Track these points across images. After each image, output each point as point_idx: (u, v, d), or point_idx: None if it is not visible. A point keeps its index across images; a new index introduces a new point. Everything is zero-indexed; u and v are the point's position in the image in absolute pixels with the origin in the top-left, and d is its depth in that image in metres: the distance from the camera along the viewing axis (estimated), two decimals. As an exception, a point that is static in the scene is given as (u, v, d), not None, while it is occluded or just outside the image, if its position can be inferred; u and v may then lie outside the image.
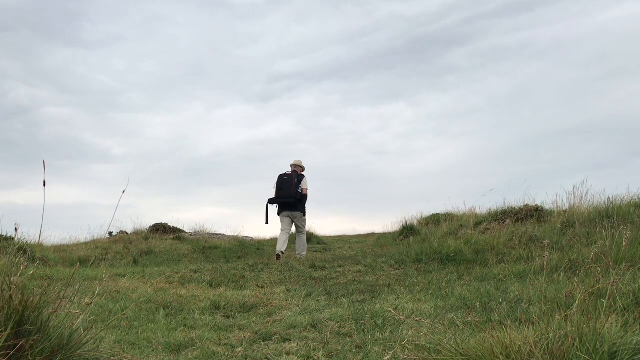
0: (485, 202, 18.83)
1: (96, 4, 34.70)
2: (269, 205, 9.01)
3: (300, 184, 8.85)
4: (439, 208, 13.10)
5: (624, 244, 3.97)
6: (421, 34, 33.95)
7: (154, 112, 37.97)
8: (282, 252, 8.72)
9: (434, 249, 8.11)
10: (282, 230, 9.01)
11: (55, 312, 2.60)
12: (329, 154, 35.04)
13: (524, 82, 33.34)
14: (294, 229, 9.30)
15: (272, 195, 9.08)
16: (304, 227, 9.24)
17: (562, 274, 5.20)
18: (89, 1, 34.68)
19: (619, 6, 28.91)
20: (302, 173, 9.17)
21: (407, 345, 3.24)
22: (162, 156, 35.41)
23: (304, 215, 9.14)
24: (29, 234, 9.22)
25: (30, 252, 8.25)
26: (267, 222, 9.11)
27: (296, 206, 8.91)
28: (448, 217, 11.55)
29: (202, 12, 36.38)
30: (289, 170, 9.18)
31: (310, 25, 37.68)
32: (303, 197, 8.90)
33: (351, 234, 18.01)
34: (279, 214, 9.05)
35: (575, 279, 4.03)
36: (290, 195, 8.75)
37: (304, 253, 9.19)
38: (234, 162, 35.65)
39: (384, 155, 36.24)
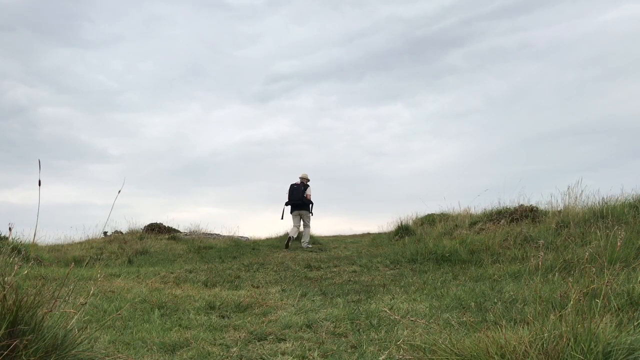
0: (480, 203, 18.86)
1: (96, 4, 34.60)
2: (285, 207, 12.01)
3: (305, 191, 11.94)
4: (434, 208, 13.12)
5: (619, 244, 3.99)
6: (420, 35, 34.04)
7: (152, 112, 37.89)
8: (292, 238, 11.62)
9: (429, 249, 8.12)
10: (294, 225, 11.99)
11: (49, 312, 2.59)
12: (327, 154, 35.06)
13: (522, 83, 33.46)
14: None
15: (286, 199, 12.09)
16: (309, 222, 12.04)
17: (556, 274, 5.22)
18: (89, 1, 34.57)
19: (616, 8, 29.06)
20: (307, 183, 12.08)
21: (402, 345, 3.24)
22: (159, 156, 35.33)
23: (309, 213, 12.01)
24: (23, 233, 9.20)
25: (24, 252, 8.20)
26: (282, 218, 12.08)
27: (302, 206, 11.89)
28: (443, 217, 11.55)
29: (202, 13, 36.33)
30: (297, 181, 12.12)
31: (309, 26, 37.70)
32: (308, 201, 11.93)
33: (347, 234, 18.00)
34: (291, 213, 12.03)
35: (570, 279, 4.05)
36: (298, 198, 11.81)
37: (307, 240, 11.82)
38: (232, 163, 35.63)
39: (381, 155, 36.30)
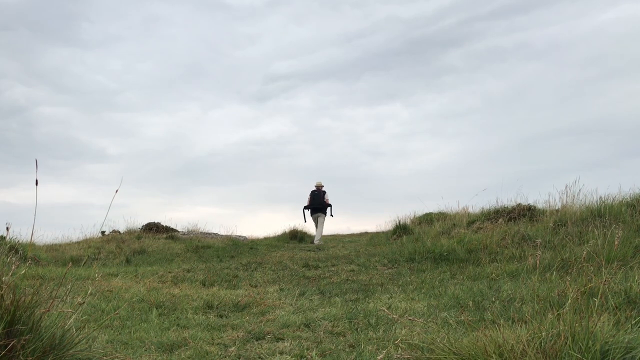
0: (478, 202, 18.91)
1: (95, 4, 34.49)
2: (305, 210, 13.94)
3: (324, 196, 13.95)
4: (432, 207, 13.14)
5: (616, 243, 4.00)
6: (418, 35, 34.01)
7: (151, 112, 37.79)
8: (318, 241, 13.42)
9: (427, 248, 8.13)
10: (315, 226, 14.00)
11: (47, 311, 2.59)
12: (325, 154, 35.08)
13: (520, 83, 33.49)
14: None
15: (305, 204, 14.12)
16: (323, 223, 13.93)
17: (554, 273, 5.23)
18: (88, 1, 34.46)
19: (614, 8, 29.11)
20: (324, 189, 14.06)
21: (400, 344, 3.24)
22: (157, 156, 35.28)
23: (326, 215, 13.91)
24: (21, 233, 9.16)
25: (22, 252, 8.18)
26: (305, 221, 14.10)
27: (321, 209, 13.87)
28: (441, 216, 11.56)
29: (201, 13, 36.26)
30: (313, 188, 14.13)
31: (308, 26, 37.65)
32: (326, 205, 13.93)
33: (345, 233, 18.01)
34: (311, 215, 13.96)
35: (568, 278, 4.06)
36: (319, 203, 13.85)
37: (321, 240, 13.47)
38: (230, 162, 35.63)
39: (380, 155, 36.31)
